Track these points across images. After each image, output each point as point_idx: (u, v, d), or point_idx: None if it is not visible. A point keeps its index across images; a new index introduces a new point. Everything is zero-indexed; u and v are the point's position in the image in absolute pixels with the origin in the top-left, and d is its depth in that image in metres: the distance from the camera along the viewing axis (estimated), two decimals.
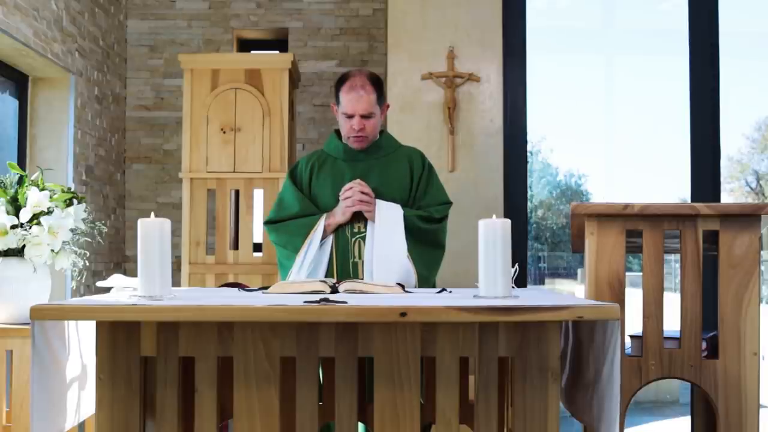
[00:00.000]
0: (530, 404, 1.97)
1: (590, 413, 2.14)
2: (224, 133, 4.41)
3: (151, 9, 5.71)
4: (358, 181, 2.94)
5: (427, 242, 2.94)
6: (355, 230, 2.94)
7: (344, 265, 2.91)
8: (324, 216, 2.94)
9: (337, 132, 3.11)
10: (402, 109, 4.63)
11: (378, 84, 3.01)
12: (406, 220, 2.90)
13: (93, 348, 2.11)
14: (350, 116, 2.96)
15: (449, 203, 3.07)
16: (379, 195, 2.94)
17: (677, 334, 2.52)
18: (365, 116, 2.96)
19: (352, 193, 2.90)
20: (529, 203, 4.96)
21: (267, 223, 3.06)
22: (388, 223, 2.88)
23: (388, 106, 3.13)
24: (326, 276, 2.91)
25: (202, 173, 4.40)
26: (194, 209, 4.40)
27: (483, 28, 4.67)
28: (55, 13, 4.51)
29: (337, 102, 3.02)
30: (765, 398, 2.90)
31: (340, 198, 2.93)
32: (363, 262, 2.90)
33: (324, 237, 2.93)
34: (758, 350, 2.48)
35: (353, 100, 2.94)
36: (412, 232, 2.89)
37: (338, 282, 2.45)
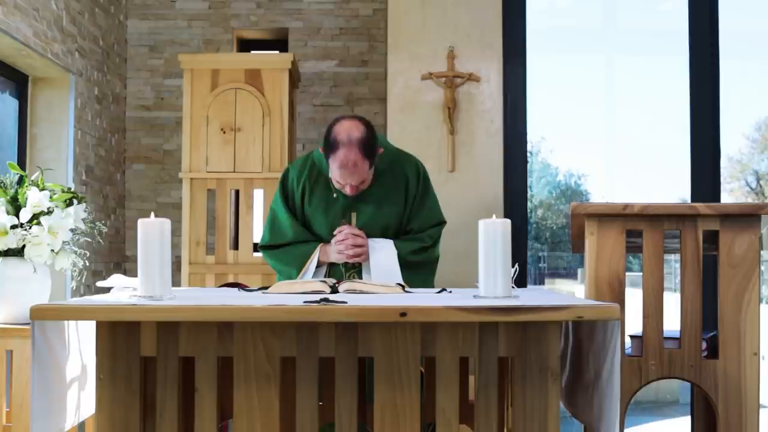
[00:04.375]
0: (530, 404, 1.98)
1: (590, 413, 2.14)
2: (224, 133, 4.41)
3: (151, 9, 5.71)
4: (348, 228, 2.87)
5: (421, 269, 2.94)
6: (350, 265, 2.92)
7: None
8: (318, 247, 2.91)
9: None
10: (402, 109, 4.63)
11: (370, 147, 2.76)
12: (400, 257, 2.87)
13: (93, 348, 2.11)
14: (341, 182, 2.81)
15: (443, 223, 3.02)
16: (373, 223, 2.90)
17: (677, 334, 2.52)
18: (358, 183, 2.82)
19: (345, 245, 2.84)
20: (529, 203, 4.96)
21: (262, 247, 3.01)
22: (382, 264, 2.86)
23: (382, 150, 2.88)
24: None
25: (202, 173, 4.40)
26: (194, 209, 4.40)
27: (483, 28, 4.67)
28: (55, 13, 4.51)
29: (326, 157, 2.80)
30: (765, 398, 2.89)
31: (333, 242, 2.89)
32: None
33: (319, 265, 2.92)
34: (758, 350, 2.48)
35: (345, 175, 2.76)
36: (405, 266, 2.88)
37: (338, 282, 2.45)
